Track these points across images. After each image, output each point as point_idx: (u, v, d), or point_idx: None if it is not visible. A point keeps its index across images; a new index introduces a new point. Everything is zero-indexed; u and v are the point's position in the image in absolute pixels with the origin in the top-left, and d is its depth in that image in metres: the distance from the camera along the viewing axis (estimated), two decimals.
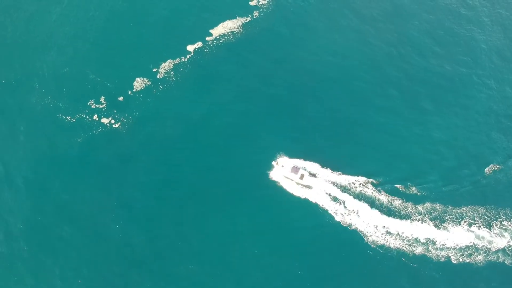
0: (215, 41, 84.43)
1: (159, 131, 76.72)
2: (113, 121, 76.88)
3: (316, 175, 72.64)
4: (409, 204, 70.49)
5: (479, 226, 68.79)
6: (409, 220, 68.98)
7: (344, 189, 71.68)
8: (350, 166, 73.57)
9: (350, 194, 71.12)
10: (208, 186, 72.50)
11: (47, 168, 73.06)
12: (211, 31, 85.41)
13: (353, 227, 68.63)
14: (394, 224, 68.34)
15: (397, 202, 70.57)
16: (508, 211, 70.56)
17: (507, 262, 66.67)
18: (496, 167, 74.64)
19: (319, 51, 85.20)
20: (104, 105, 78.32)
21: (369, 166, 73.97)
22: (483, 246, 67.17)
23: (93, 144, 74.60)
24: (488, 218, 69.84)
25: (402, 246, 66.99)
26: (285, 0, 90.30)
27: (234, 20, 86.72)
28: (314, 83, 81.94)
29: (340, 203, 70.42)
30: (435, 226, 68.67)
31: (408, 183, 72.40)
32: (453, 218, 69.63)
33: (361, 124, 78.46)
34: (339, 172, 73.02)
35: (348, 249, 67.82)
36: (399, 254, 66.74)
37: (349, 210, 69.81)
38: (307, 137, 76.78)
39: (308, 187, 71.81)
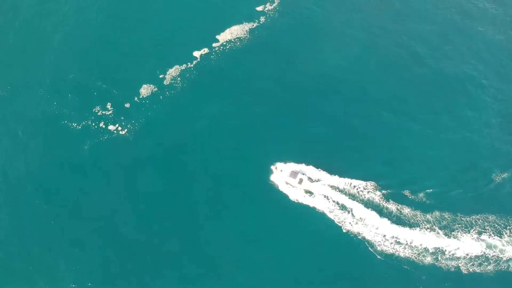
0: (221, 47, 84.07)
1: (166, 138, 76.48)
2: (119, 128, 76.70)
3: (318, 179, 72.08)
4: (418, 213, 69.64)
5: (490, 235, 67.85)
6: (418, 229, 68.16)
7: (352, 196, 70.94)
8: (356, 171, 72.76)
9: (359, 202, 70.34)
10: (213, 191, 72.27)
11: (53, 176, 73.00)
12: (217, 37, 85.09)
13: (361, 236, 67.92)
14: (403, 233, 67.47)
15: (406, 210, 69.70)
16: None
17: None
18: (505, 174, 73.56)
19: (326, 56, 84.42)
20: (110, 112, 78.16)
21: (376, 172, 72.99)
22: (493, 255, 66.26)
23: (100, 151, 74.47)
24: (498, 226, 68.81)
25: (411, 256, 66.19)
26: (292, 5, 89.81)
27: (240, 25, 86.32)
28: (320, 88, 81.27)
29: (348, 211, 69.72)
30: (445, 234, 67.81)
31: (416, 190, 71.45)
32: (462, 226, 68.68)
33: (368, 128, 77.64)
34: (346, 177, 72.26)
35: (355, 258, 67.08)
36: (409, 263, 65.95)
37: (356, 219, 69.11)
38: (314, 142, 76.09)
39: (307, 191, 71.26)
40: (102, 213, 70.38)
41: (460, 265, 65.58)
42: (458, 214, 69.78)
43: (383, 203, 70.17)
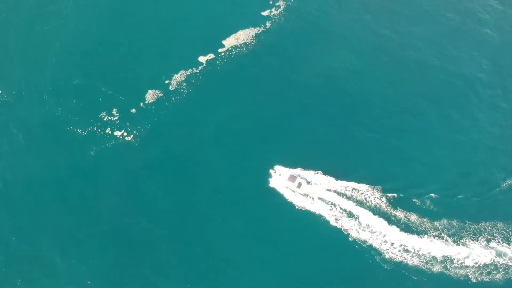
0: (227, 53, 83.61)
1: (171, 144, 76.09)
2: (125, 134, 76.38)
3: (317, 183, 71.69)
4: (425, 220, 69.16)
5: (498, 242, 67.36)
6: (426, 236, 67.71)
7: (359, 203, 70.52)
8: (357, 175, 72.53)
9: (365, 208, 69.92)
10: (216, 196, 72.16)
11: (59, 183, 72.65)
12: (223, 42, 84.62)
13: (368, 243, 67.47)
14: (411, 241, 67.03)
15: (413, 217, 69.22)
16: None
17: None
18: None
19: (331, 60, 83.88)
20: (116, 118, 77.83)
21: (379, 176, 72.73)
22: (503, 263, 65.72)
23: (106, 157, 74.10)
24: (507, 233, 68.29)
25: (420, 264, 65.74)
26: (297, 10, 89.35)
27: (246, 30, 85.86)
28: (324, 93, 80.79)
29: (355, 218, 69.32)
30: (454, 242, 67.31)
31: (423, 195, 70.94)
32: (471, 234, 68.19)
33: (371, 132, 77.20)
34: (346, 180, 72.00)
35: (363, 266, 66.63)
36: (417, 272, 65.48)
37: (363, 226, 68.66)
38: (315, 146, 75.84)
39: (306, 196, 70.95)
40: (107, 219, 70.16)
41: (468, 273, 65.12)
42: (466, 221, 69.30)
43: (391, 210, 69.69)
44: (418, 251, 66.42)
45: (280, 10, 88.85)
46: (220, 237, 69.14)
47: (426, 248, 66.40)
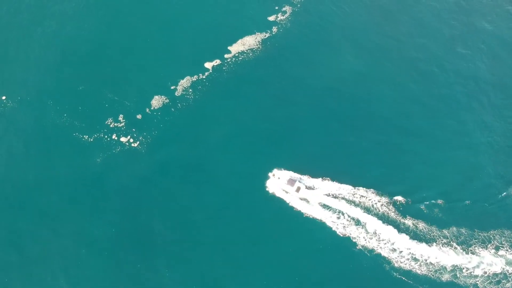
0: (233, 58, 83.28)
1: (178, 151, 75.80)
2: (131, 140, 76.03)
3: (315, 187, 71.39)
4: (434, 228, 68.74)
5: (507, 250, 66.88)
6: (434, 244, 67.29)
7: (367, 210, 70.10)
8: (370, 183, 72.15)
9: (374, 216, 69.44)
10: (221, 202, 72.05)
11: (66, 190, 72.26)
12: (229, 48, 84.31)
13: (377, 252, 67.05)
14: (420, 249, 66.55)
15: (422, 225, 68.80)
16: None
17: None
18: None
19: (339, 69, 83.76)
20: (122, 124, 77.48)
21: (391, 184, 72.36)
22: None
23: (113, 164, 73.85)
24: None
25: (429, 273, 65.26)
26: (304, 15, 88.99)
27: (252, 36, 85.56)
28: (333, 99, 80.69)
29: (362, 226, 68.87)
30: (463, 250, 66.88)
31: (432, 203, 70.59)
32: (479, 242, 67.77)
33: (376, 137, 77.10)
34: (361, 187, 71.68)
35: (371, 275, 66.19)
36: (426, 281, 65.02)
37: (371, 234, 68.22)
38: (316, 151, 75.81)
39: (304, 200, 70.61)
40: (112, 228, 69.79)
41: (478, 283, 64.66)
42: (475, 229, 68.85)
43: (399, 218, 69.23)
44: (427, 260, 65.95)
45: (286, 15, 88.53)
46: (221, 242, 69.09)
47: (436, 256, 65.95)
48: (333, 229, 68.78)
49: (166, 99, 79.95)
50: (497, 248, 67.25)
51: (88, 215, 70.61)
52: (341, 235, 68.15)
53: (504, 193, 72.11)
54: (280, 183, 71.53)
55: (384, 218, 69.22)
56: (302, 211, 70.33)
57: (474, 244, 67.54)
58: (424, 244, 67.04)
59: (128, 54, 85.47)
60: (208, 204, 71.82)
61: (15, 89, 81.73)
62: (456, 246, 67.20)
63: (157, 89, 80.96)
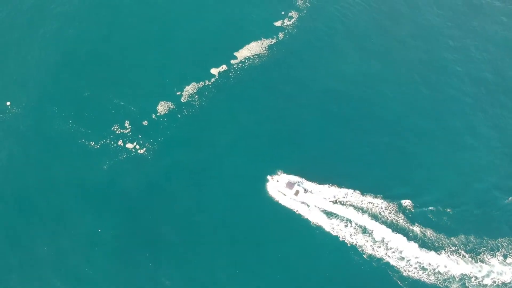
0: (240, 64, 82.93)
1: (184, 157, 75.35)
2: (138, 147, 75.63)
3: (313, 191, 71.11)
4: (442, 236, 68.37)
5: None
6: (443, 252, 66.92)
7: (374, 217, 69.68)
8: (378, 190, 71.74)
9: (382, 223, 69.00)
10: (227, 206, 71.61)
11: (72, 198, 71.76)
12: (235, 53, 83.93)
13: (385, 261, 66.59)
14: (428, 258, 66.15)
15: (430, 232, 68.42)
16: None
17: None
18: None
19: (345, 74, 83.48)
20: (128, 130, 77.08)
21: (397, 187, 72.20)
22: None
23: (119, 171, 73.33)
24: None
25: (437, 282, 64.83)
26: (310, 20, 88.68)
27: (259, 41, 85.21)
28: (339, 105, 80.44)
29: (369, 234, 68.42)
30: (472, 258, 66.52)
31: (440, 210, 70.18)
32: (488, 250, 67.45)
33: (386, 143, 76.76)
34: (369, 195, 71.29)
35: (378, 284, 65.89)
36: None
37: (377, 242, 67.81)
38: (318, 155, 75.68)
39: (304, 203, 70.31)
40: (119, 235, 69.44)
41: None
42: (484, 237, 68.54)
43: (408, 225, 68.84)
44: (435, 269, 65.55)
45: (292, 20, 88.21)
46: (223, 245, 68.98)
47: (444, 265, 65.57)
48: (334, 233, 68.39)
49: (172, 105, 79.57)
50: (505, 256, 66.92)
51: (93, 222, 70.05)
52: (345, 242, 67.80)
53: (510, 198, 71.77)
54: (278, 186, 71.24)
55: (393, 226, 68.83)
56: (303, 215, 69.97)
57: (483, 252, 67.21)
58: (433, 252, 66.65)
59: (133, 60, 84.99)
60: (213, 209, 71.43)
61: (19, 95, 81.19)
62: (465, 254, 66.89)
63: (162, 95, 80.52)
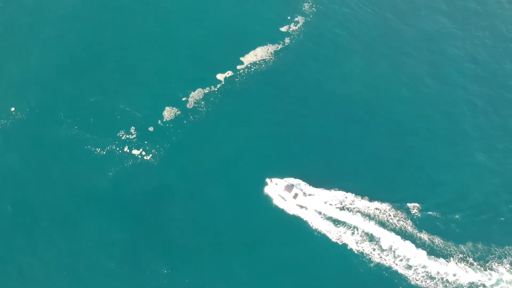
0: (246, 70, 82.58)
1: (191, 164, 74.95)
2: (144, 153, 75.21)
3: (313, 194, 70.87)
4: (450, 243, 68.18)
5: None
6: (451, 260, 66.71)
7: (381, 224, 69.44)
8: (385, 196, 71.43)
9: (390, 231, 68.73)
10: (232, 209, 71.43)
11: (78, 204, 71.29)
12: (241, 59, 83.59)
13: (393, 269, 66.35)
14: (436, 266, 65.93)
15: (438, 240, 68.26)
16: None
17: None
18: None
19: (350, 77, 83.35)
20: (134, 136, 76.66)
21: (405, 193, 72.11)
22: None
23: (125, 177, 72.80)
24: None
25: None
26: (316, 25, 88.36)
27: (265, 47, 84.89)
28: (345, 111, 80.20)
29: (376, 242, 68.15)
30: (480, 266, 66.34)
31: (448, 217, 70.01)
32: (496, 257, 67.29)
33: (389, 149, 76.63)
34: (376, 201, 70.98)
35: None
36: None
37: (384, 249, 67.51)
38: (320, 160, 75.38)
39: (302, 207, 69.97)
40: (125, 242, 69.03)
41: None
42: (492, 244, 68.39)
43: (416, 232, 68.66)
44: (444, 278, 65.30)
45: (299, 25, 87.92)
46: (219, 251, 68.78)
47: (453, 274, 65.33)
48: (334, 240, 68.13)
49: (177, 110, 79.17)
50: (511, 264, 66.82)
51: (99, 229, 69.64)
52: (339, 243, 67.70)
53: None
54: (277, 189, 70.87)
55: (402, 233, 68.59)
56: (303, 218, 69.71)
57: (491, 259, 67.05)
58: (441, 260, 66.43)
59: (138, 65, 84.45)
60: (218, 214, 71.14)
61: (23, 101, 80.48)
62: (473, 262, 66.69)
63: (168, 101, 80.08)
